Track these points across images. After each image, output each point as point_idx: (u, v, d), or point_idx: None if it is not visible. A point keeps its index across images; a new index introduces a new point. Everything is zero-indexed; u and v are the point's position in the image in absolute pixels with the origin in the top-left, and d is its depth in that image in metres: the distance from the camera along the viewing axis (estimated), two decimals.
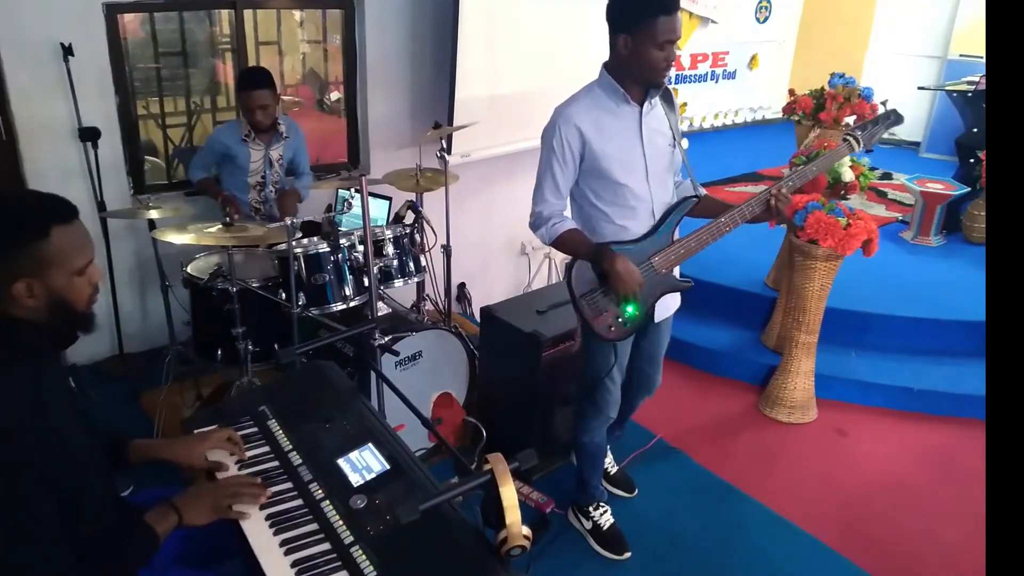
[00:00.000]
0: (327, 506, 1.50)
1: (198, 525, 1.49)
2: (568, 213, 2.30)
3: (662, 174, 2.28)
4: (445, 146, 3.51)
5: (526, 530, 1.30)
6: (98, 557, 1.36)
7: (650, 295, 2.25)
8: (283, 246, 2.79)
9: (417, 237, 3.18)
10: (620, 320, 2.23)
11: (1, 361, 1.32)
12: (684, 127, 7.24)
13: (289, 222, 2.75)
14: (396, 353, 2.72)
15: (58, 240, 1.32)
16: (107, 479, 1.52)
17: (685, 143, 2.36)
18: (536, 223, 2.25)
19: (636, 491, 2.94)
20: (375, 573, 1.34)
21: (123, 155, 3.50)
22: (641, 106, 2.19)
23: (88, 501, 1.38)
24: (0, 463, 1.24)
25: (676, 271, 2.33)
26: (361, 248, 2.93)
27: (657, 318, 2.37)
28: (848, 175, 3.65)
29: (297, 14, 4.89)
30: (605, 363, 2.37)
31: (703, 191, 2.33)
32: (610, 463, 2.96)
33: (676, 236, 2.28)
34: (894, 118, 2.37)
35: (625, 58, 2.10)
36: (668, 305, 2.40)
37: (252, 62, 3.95)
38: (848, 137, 2.30)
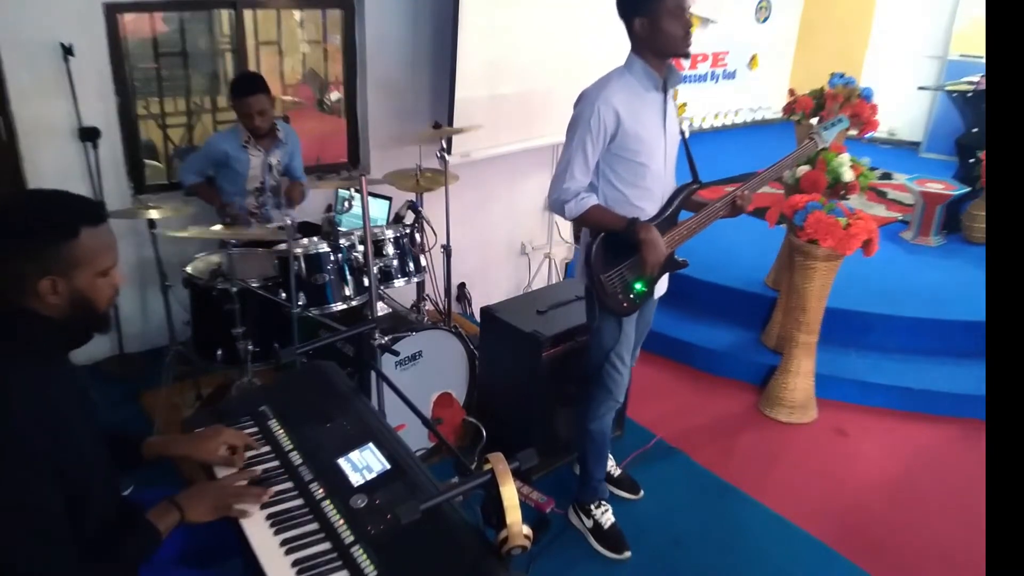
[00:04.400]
0: (327, 506, 1.50)
1: (200, 522, 1.49)
2: None
3: (674, 159, 2.43)
4: (445, 146, 3.51)
5: (526, 530, 1.30)
6: (100, 554, 1.37)
7: (659, 271, 2.39)
8: (283, 246, 2.80)
9: (417, 237, 3.19)
10: (632, 296, 2.37)
11: (18, 356, 1.34)
12: (684, 127, 7.25)
13: (289, 221, 2.75)
14: (396, 353, 2.72)
15: (86, 241, 1.35)
16: (110, 478, 1.53)
17: (687, 131, 2.45)
18: (562, 198, 2.28)
19: (642, 492, 2.94)
20: (375, 573, 1.34)
21: (123, 155, 3.51)
22: (665, 93, 2.31)
23: (93, 499, 1.40)
24: (16, 457, 1.26)
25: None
26: (361, 248, 2.93)
27: (656, 295, 2.52)
28: (848, 175, 3.65)
29: (297, 14, 4.89)
30: (612, 338, 2.45)
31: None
32: (612, 466, 2.96)
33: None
34: (844, 121, 2.65)
35: (646, 39, 2.20)
36: (663, 283, 2.55)
37: (252, 62, 3.95)
38: (814, 135, 2.53)
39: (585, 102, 2.26)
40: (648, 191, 2.34)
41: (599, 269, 2.32)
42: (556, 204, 2.32)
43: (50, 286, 1.33)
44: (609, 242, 2.31)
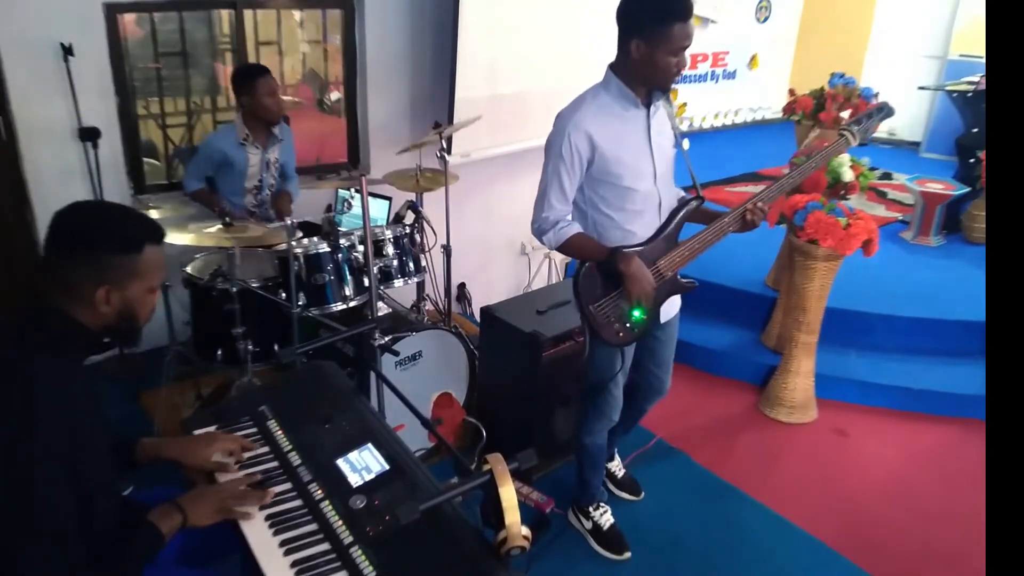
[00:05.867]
0: (327, 506, 1.50)
1: (202, 526, 1.50)
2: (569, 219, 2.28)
3: (668, 175, 2.29)
4: (445, 146, 3.51)
5: (526, 530, 1.30)
6: (104, 555, 1.38)
7: (658, 298, 2.24)
8: (283, 246, 2.79)
9: (417, 237, 3.18)
10: (628, 325, 2.23)
11: (45, 354, 1.37)
12: (684, 127, 7.24)
13: (289, 222, 2.75)
14: (396, 353, 2.72)
15: (148, 257, 1.44)
16: (116, 481, 1.54)
17: (686, 144, 2.35)
18: (542, 228, 2.21)
19: (643, 494, 2.93)
20: (375, 573, 1.34)
21: (123, 155, 3.51)
22: (648, 108, 2.19)
23: (99, 500, 1.41)
24: (34, 452, 1.27)
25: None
26: (361, 248, 2.93)
27: (662, 319, 2.38)
28: (848, 175, 3.65)
29: (297, 14, 4.89)
30: (611, 368, 2.37)
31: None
32: (617, 466, 2.96)
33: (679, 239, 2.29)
34: (887, 110, 2.39)
35: (637, 62, 2.07)
36: (672, 307, 2.41)
37: (252, 62, 3.94)
38: (844, 132, 2.32)
39: (557, 127, 2.15)
40: (639, 214, 2.22)
41: (588, 299, 2.20)
42: (537, 233, 2.24)
43: (104, 295, 1.39)
44: (599, 268, 2.20)
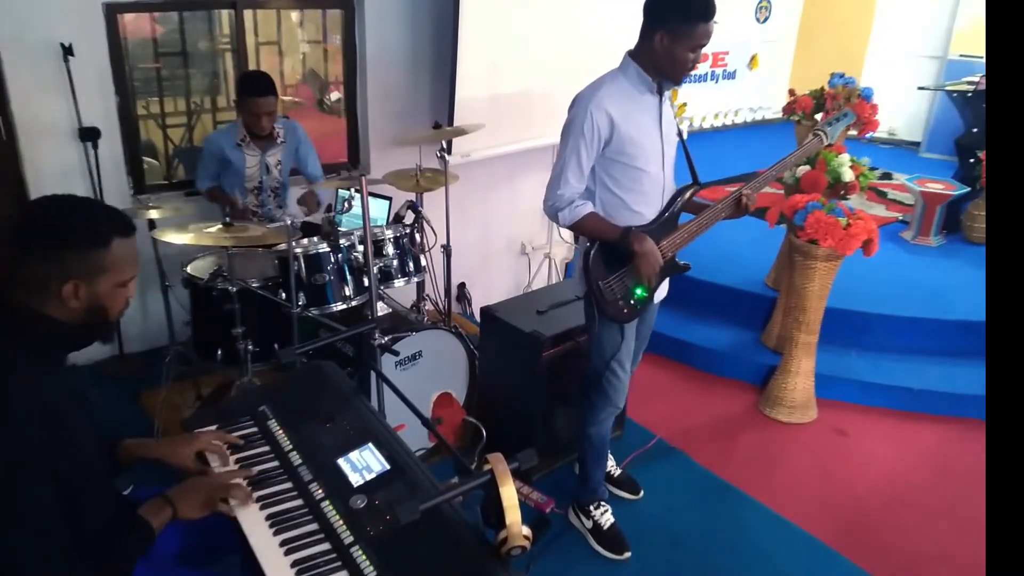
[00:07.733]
0: (327, 506, 1.50)
1: (192, 518, 1.50)
2: None
3: (672, 161, 2.40)
4: (445, 146, 3.51)
5: (526, 530, 1.30)
6: (95, 553, 1.38)
7: (659, 277, 2.34)
8: (283, 246, 2.79)
9: (417, 237, 3.19)
10: (632, 302, 2.34)
11: (19, 357, 1.35)
12: (684, 127, 7.26)
13: (289, 222, 2.76)
14: (396, 353, 2.72)
15: (116, 251, 1.40)
16: (108, 479, 1.53)
17: (684, 134, 2.49)
18: (557, 205, 2.27)
19: (642, 492, 2.94)
20: (375, 573, 1.34)
21: (123, 155, 3.51)
22: (660, 96, 2.29)
23: (90, 500, 1.40)
24: (15, 458, 1.26)
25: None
26: (361, 248, 2.93)
27: (656, 299, 2.49)
28: (848, 175, 3.65)
29: (297, 14, 4.89)
30: (613, 344, 2.43)
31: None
32: (612, 466, 2.96)
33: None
34: (850, 116, 2.62)
35: (658, 53, 2.18)
36: (664, 287, 2.51)
37: (252, 62, 3.95)
38: (818, 132, 2.50)
39: (578, 107, 2.23)
40: (646, 195, 2.32)
41: (598, 276, 2.30)
42: (551, 211, 2.30)
43: (72, 290, 1.36)
44: (607, 248, 2.29)
